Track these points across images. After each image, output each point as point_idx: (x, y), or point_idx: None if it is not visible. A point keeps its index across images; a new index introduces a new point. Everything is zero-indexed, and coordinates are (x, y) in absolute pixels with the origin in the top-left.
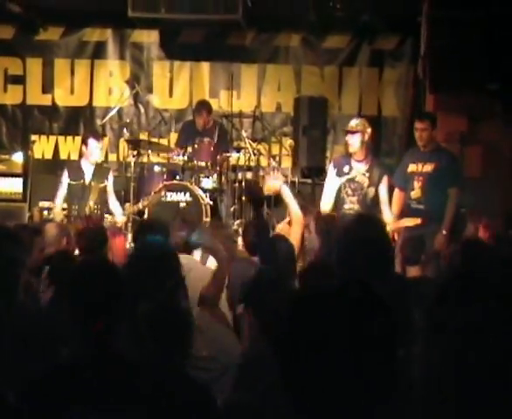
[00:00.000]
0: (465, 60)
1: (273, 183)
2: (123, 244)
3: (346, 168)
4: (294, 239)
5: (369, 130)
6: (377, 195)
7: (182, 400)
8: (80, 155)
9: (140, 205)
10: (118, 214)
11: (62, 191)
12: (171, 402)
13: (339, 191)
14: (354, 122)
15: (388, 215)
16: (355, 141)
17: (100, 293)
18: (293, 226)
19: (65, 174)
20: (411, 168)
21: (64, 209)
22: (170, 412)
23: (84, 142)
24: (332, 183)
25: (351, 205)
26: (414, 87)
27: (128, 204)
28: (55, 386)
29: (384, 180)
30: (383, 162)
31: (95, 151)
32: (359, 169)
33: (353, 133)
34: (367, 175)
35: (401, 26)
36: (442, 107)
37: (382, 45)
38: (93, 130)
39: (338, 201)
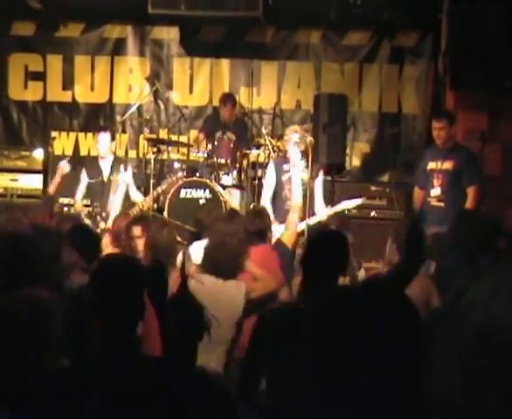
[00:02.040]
0: (486, 57)
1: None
2: None
3: (286, 167)
4: (291, 225)
5: (308, 139)
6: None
7: (202, 393)
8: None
9: (159, 189)
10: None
11: (81, 188)
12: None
13: (281, 190)
14: (296, 138)
15: (321, 205)
16: (296, 152)
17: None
18: (291, 213)
19: (84, 172)
20: (431, 165)
21: (86, 206)
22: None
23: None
24: (272, 181)
25: None
26: (434, 84)
27: (147, 198)
28: (76, 378)
29: (320, 174)
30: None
31: (98, 144)
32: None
33: (298, 145)
34: (306, 171)
35: (421, 23)
36: (462, 104)
37: (402, 42)
38: (99, 125)
39: (281, 198)
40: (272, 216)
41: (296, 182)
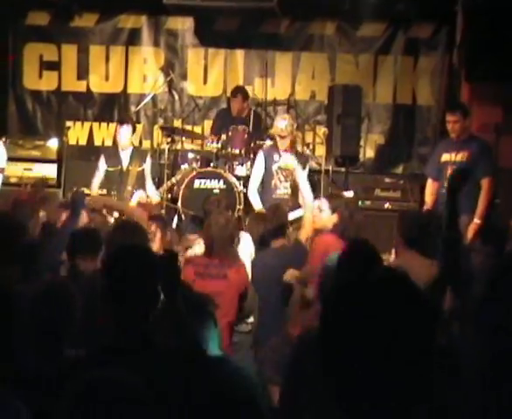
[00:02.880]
0: (501, 50)
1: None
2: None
3: (276, 157)
4: (307, 224)
5: (294, 126)
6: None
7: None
8: (115, 142)
9: (173, 180)
10: (154, 198)
11: (98, 177)
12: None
13: (271, 179)
14: (283, 124)
15: (309, 193)
16: (285, 142)
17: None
18: (306, 212)
19: (102, 160)
20: (445, 157)
21: (102, 195)
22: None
23: (116, 130)
24: (261, 171)
25: (285, 190)
26: (449, 76)
27: (161, 188)
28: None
29: (307, 166)
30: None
31: (120, 137)
32: (288, 156)
33: (283, 137)
34: (295, 161)
35: (437, 14)
36: (477, 97)
37: (417, 34)
38: (121, 117)
39: (270, 187)
40: (260, 206)
41: (303, 180)
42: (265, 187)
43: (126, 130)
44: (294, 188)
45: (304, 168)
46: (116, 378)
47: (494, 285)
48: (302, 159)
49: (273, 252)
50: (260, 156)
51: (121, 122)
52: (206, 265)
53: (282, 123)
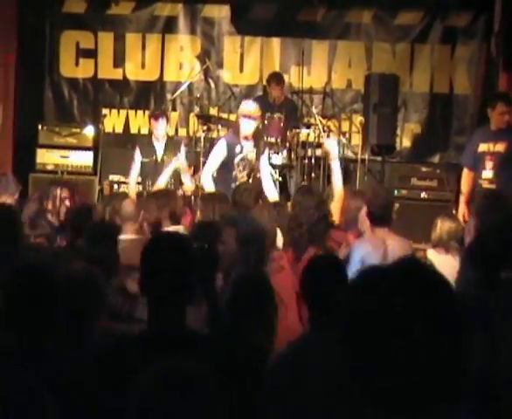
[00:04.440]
0: None
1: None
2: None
3: (238, 149)
4: (335, 214)
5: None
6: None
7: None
8: (150, 132)
9: None
10: (189, 186)
11: (135, 169)
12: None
13: (232, 169)
14: (252, 107)
15: (269, 185)
16: (251, 127)
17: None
18: (334, 201)
19: (137, 152)
20: (482, 147)
21: (137, 183)
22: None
23: (149, 121)
24: (221, 159)
25: (243, 181)
26: (487, 65)
27: (197, 176)
28: (124, 357)
29: (266, 152)
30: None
31: (156, 131)
32: (248, 148)
33: (251, 118)
34: (254, 151)
35: (474, 3)
36: None
37: (454, 22)
38: (154, 111)
39: (230, 178)
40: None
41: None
42: (224, 177)
43: (161, 124)
44: (253, 179)
45: (263, 153)
46: (187, 366)
47: None
48: (263, 147)
49: None
50: (222, 144)
51: (156, 117)
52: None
53: (252, 105)
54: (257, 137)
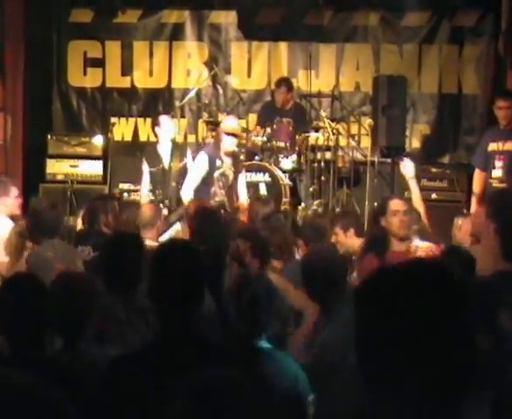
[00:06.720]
0: None
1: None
2: None
3: (218, 163)
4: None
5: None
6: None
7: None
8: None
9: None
10: None
11: (145, 180)
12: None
13: (211, 184)
14: (236, 124)
15: (244, 197)
16: (233, 144)
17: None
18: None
19: (144, 163)
20: (492, 146)
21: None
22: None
23: (153, 130)
24: (203, 172)
25: (222, 197)
26: (495, 64)
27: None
28: (139, 367)
29: (243, 170)
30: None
31: (161, 135)
32: (227, 163)
33: (234, 135)
34: (232, 169)
35: (481, 1)
36: None
37: (462, 22)
38: (157, 118)
39: (208, 193)
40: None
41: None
42: (203, 191)
43: (164, 125)
44: (229, 195)
45: (241, 172)
46: (229, 376)
47: None
48: (239, 165)
49: None
50: (203, 157)
51: (157, 122)
52: None
53: (235, 122)
54: (235, 156)
